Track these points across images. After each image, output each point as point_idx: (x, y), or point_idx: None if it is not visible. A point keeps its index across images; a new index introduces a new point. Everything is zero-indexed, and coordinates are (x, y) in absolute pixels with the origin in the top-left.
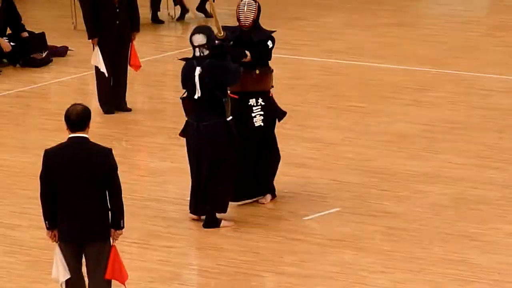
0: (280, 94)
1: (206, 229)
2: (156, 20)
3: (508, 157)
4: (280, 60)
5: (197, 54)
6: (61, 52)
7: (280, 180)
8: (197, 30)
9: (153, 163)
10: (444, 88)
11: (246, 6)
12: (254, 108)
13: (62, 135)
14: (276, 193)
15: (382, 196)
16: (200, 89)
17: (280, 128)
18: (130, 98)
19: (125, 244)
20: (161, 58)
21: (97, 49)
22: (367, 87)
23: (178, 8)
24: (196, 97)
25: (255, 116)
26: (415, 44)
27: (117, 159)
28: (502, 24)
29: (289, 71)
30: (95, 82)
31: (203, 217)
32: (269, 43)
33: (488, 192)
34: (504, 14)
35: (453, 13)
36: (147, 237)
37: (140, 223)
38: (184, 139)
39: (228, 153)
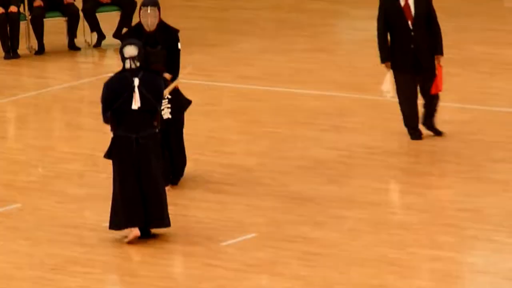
0: (195, 121)
1: (123, 256)
2: (73, 47)
3: (425, 182)
4: (195, 86)
5: (128, 66)
6: None
7: (197, 205)
8: (128, 42)
9: (70, 190)
10: (362, 113)
11: (149, 11)
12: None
13: None
14: (193, 218)
15: (298, 221)
16: (140, 99)
17: (197, 155)
18: (47, 124)
19: (44, 270)
20: (78, 85)
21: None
22: (283, 113)
23: (95, 34)
24: (136, 107)
25: (163, 109)
26: (332, 70)
27: (35, 186)
28: None
29: (205, 97)
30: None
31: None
32: (179, 45)
33: (406, 216)
34: None
35: (370, 38)
36: (65, 263)
37: (59, 249)
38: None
39: (160, 163)
